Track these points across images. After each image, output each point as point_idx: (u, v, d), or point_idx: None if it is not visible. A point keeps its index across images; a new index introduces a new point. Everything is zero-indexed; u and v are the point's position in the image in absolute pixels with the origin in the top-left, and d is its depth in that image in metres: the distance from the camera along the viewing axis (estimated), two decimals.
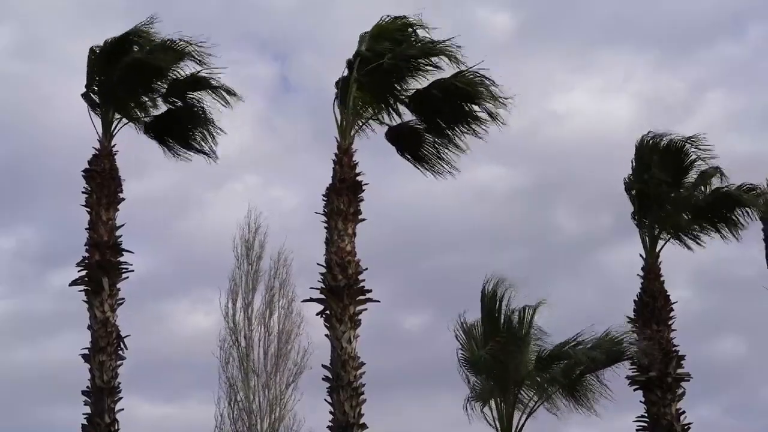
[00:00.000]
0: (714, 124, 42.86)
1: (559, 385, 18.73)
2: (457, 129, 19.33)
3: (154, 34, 19.39)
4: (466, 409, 18.60)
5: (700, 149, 20.06)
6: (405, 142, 19.83)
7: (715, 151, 20.09)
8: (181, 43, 19.40)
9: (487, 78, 18.63)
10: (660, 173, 19.78)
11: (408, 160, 19.92)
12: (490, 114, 18.87)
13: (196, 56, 19.40)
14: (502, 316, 19.07)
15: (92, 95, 19.63)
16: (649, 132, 20.19)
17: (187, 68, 19.69)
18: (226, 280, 32.33)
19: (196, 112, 20.12)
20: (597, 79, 47.83)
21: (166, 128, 20.40)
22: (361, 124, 19.35)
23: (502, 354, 18.52)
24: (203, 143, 20.36)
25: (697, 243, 20.43)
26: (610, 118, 42.86)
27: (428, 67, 18.97)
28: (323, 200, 18.55)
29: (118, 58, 19.29)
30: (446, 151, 19.64)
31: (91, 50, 19.48)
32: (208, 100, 19.96)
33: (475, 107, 18.98)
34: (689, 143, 20.03)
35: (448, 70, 18.84)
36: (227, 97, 19.73)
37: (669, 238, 20.05)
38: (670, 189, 19.94)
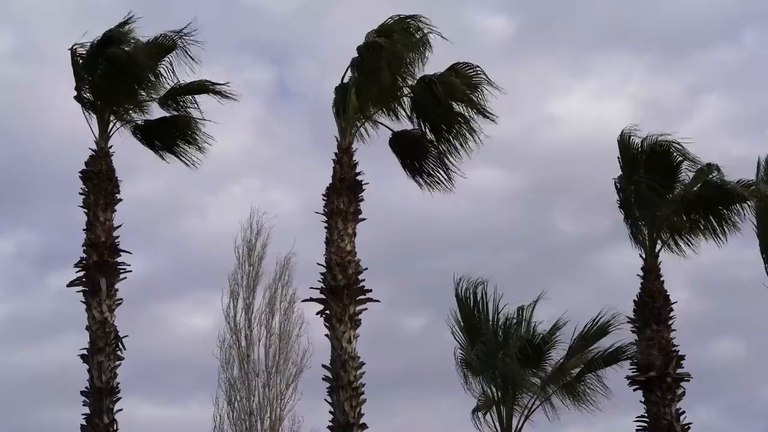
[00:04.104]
0: (710, 128, 42.91)
1: (558, 385, 18.66)
2: (453, 128, 19.25)
3: (136, 32, 19.22)
4: (474, 420, 18.55)
5: (686, 152, 19.69)
6: (408, 152, 19.73)
7: (700, 152, 19.86)
8: (166, 38, 19.28)
9: (476, 67, 18.69)
10: (649, 177, 19.56)
11: (409, 173, 19.85)
12: (482, 110, 18.85)
13: (181, 49, 19.28)
14: (491, 319, 18.88)
15: (84, 96, 19.50)
16: (627, 128, 19.79)
17: (175, 65, 19.57)
18: (225, 281, 32.42)
19: (186, 118, 19.97)
20: (594, 83, 47.90)
21: (155, 132, 20.24)
22: (360, 123, 19.32)
23: (490, 357, 18.39)
24: (188, 152, 20.22)
25: (691, 247, 20.25)
26: (607, 122, 42.91)
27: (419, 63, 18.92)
28: (323, 200, 18.54)
29: (102, 57, 19.16)
30: (447, 158, 19.54)
31: (73, 51, 19.30)
32: (202, 104, 19.88)
33: (469, 101, 18.94)
34: (674, 147, 19.65)
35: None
36: (224, 95, 19.67)
37: (667, 240, 19.92)
38: (662, 190, 19.68)
